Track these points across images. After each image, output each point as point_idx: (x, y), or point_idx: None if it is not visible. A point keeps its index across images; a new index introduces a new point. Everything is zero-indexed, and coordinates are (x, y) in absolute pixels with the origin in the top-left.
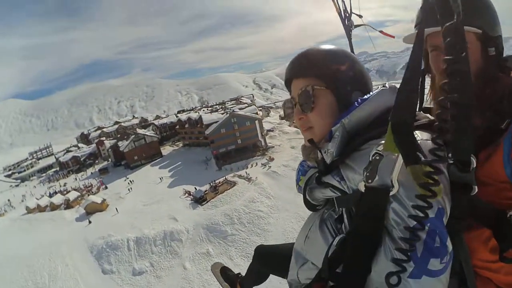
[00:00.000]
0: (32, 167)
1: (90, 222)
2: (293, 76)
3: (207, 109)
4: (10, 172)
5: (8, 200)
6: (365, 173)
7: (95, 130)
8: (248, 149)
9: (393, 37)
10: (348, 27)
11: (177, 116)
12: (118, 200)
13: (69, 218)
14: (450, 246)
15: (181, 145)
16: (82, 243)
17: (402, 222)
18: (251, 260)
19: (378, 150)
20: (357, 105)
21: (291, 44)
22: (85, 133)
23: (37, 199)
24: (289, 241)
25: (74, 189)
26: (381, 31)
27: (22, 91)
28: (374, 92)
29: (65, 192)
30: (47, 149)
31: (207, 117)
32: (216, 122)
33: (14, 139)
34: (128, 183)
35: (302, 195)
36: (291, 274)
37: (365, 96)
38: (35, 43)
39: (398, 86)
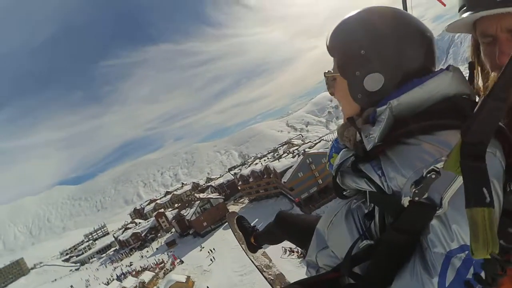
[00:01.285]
0: (90, 249)
1: None
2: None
3: (267, 158)
4: (67, 256)
5: (71, 286)
6: (413, 189)
7: (148, 204)
8: (330, 188)
9: (445, 5)
10: None
11: (233, 174)
12: (204, 275)
13: None
14: (482, 279)
15: (247, 201)
16: None
17: (439, 244)
18: None
19: (436, 168)
20: (409, 86)
21: (309, 80)
22: (137, 208)
23: (105, 284)
24: None
25: (145, 268)
26: None
27: (66, 177)
28: (433, 74)
29: (134, 273)
30: (102, 229)
31: (279, 165)
32: (289, 167)
33: (66, 223)
34: (208, 253)
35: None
36: (310, 255)
37: (423, 78)
38: (68, 134)
39: (458, 69)
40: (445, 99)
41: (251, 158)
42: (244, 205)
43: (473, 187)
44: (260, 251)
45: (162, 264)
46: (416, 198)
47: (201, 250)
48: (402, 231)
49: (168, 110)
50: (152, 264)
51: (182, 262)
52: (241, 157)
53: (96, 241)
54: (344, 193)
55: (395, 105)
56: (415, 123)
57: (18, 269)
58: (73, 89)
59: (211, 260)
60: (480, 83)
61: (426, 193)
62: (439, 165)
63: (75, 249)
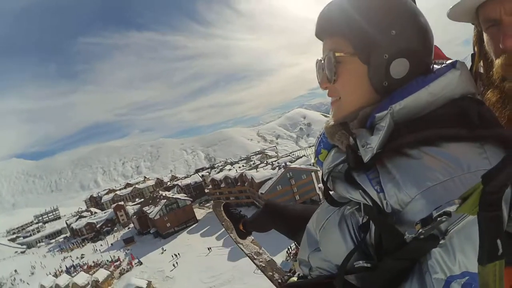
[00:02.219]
0: (38, 231)
1: None
2: (319, 33)
3: (242, 165)
4: (14, 236)
5: (15, 271)
6: (419, 229)
7: (107, 193)
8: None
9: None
10: None
11: (201, 176)
12: (166, 281)
13: None
14: None
15: None
16: None
17: (440, 270)
18: None
19: (448, 211)
20: (415, 87)
21: (284, 94)
22: (94, 196)
23: (53, 276)
24: None
25: (98, 264)
26: None
27: (25, 151)
28: (439, 72)
29: (86, 267)
30: (54, 212)
31: (257, 175)
32: (268, 179)
33: (16, 199)
34: (172, 257)
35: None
36: (302, 254)
37: (428, 76)
38: (35, 107)
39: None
40: (450, 101)
41: (219, 162)
42: (210, 210)
43: (488, 241)
44: (249, 238)
45: (118, 263)
46: (421, 237)
47: (162, 252)
48: (403, 259)
49: (141, 99)
50: (106, 261)
51: (140, 263)
52: (207, 159)
53: (46, 224)
54: (335, 198)
55: (397, 109)
56: (418, 132)
57: None
58: (48, 61)
59: (173, 265)
60: (482, 71)
61: (432, 232)
62: (452, 209)
63: (23, 229)
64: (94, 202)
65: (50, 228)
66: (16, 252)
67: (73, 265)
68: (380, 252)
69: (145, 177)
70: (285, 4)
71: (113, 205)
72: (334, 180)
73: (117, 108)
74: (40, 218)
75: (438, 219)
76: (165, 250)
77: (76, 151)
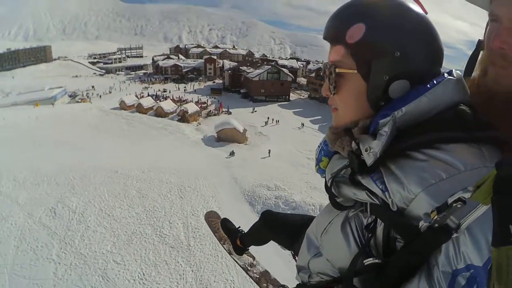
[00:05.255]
0: (120, 62)
1: (233, 153)
2: (326, 37)
3: None
4: (95, 60)
5: (92, 86)
6: (435, 217)
7: (195, 47)
8: None
9: (426, 12)
10: None
11: (301, 64)
12: (259, 136)
13: (192, 136)
14: None
15: (306, 96)
16: (230, 182)
17: (447, 263)
18: None
19: (463, 197)
20: (415, 94)
21: None
22: (180, 46)
23: (136, 96)
24: None
25: (183, 100)
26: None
27: None
28: (437, 81)
29: (176, 99)
30: (137, 51)
31: None
32: None
33: (100, 33)
34: (268, 118)
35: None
36: (301, 260)
37: (428, 85)
38: None
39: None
40: (448, 107)
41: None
42: (303, 97)
43: (502, 225)
44: None
45: (205, 105)
46: (436, 225)
47: (252, 112)
48: (415, 254)
49: None
50: (191, 100)
51: (230, 113)
52: (292, 56)
53: (128, 59)
54: (339, 201)
55: (399, 116)
56: (420, 135)
57: (42, 55)
58: None
59: (265, 123)
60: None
61: (447, 221)
62: (466, 195)
63: (105, 57)
64: (179, 52)
65: (131, 62)
66: (94, 73)
67: (156, 94)
68: (388, 250)
69: (234, 46)
70: None
71: (205, 57)
72: (339, 185)
73: None
74: (123, 51)
75: (454, 205)
76: (255, 111)
77: (167, 4)
